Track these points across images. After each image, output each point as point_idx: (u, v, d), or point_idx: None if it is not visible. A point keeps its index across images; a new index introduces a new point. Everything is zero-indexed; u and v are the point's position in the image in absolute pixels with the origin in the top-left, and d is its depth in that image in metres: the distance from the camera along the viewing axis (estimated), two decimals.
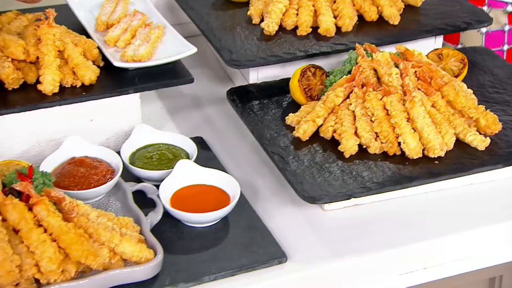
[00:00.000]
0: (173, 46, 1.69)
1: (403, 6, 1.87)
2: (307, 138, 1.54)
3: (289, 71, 1.76)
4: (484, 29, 2.06)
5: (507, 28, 2.05)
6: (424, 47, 1.83)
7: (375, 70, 1.60)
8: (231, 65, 1.70)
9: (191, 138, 1.62)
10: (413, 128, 1.49)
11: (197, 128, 1.73)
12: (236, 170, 1.59)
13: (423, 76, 1.58)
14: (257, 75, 1.78)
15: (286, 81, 1.70)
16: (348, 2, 1.82)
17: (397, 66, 1.62)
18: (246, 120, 1.62)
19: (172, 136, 1.58)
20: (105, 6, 1.80)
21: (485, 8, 2.03)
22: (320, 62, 1.76)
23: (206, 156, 1.59)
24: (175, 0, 1.98)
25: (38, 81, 1.53)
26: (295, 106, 1.65)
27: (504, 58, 2.09)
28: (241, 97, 1.69)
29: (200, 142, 1.63)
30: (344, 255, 1.39)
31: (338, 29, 1.81)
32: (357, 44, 1.66)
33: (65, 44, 1.56)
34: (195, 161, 1.50)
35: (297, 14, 1.82)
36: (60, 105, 1.52)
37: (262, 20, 1.84)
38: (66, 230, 1.21)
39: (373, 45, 1.67)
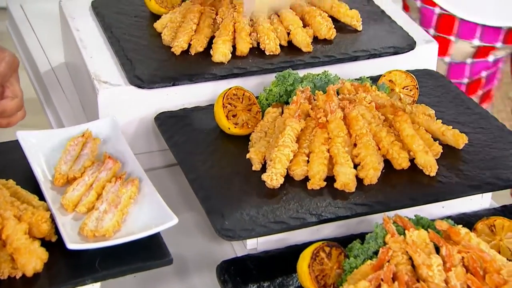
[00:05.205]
0: (149, 211, 1.32)
1: (441, 150, 1.49)
2: None
3: (298, 233, 1.39)
4: None
5: None
6: (467, 205, 1.46)
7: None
8: (222, 236, 1.33)
9: None
10: None
11: None
12: None
13: (473, 267, 1.20)
14: (257, 239, 1.40)
15: (295, 252, 1.33)
16: (373, 148, 1.44)
17: (437, 248, 1.24)
18: None
19: None
20: (69, 150, 1.44)
21: None
22: (337, 225, 1.40)
23: None
24: (159, 129, 1.62)
25: None
26: None
27: None
28: (235, 276, 1.32)
29: None
30: None
31: (359, 180, 1.44)
32: (385, 217, 1.29)
33: (4, 221, 1.20)
34: None
35: (308, 161, 1.45)
36: None
37: (264, 166, 1.47)
38: None
39: (406, 219, 1.29)
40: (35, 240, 1.22)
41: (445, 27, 2.13)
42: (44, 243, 1.24)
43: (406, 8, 2.27)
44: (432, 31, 2.13)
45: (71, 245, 1.22)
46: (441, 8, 2.10)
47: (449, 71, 2.20)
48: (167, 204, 1.36)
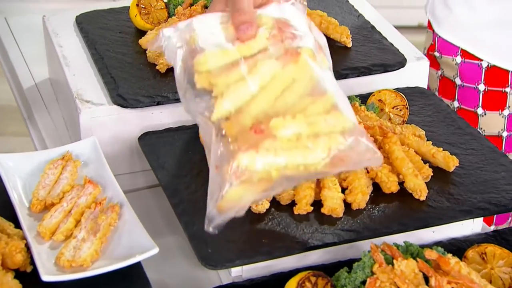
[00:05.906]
0: (129, 239, 1.28)
1: (431, 174, 1.45)
2: None
3: (284, 260, 1.34)
4: None
5: None
6: (458, 230, 1.42)
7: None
8: (205, 265, 1.29)
9: None
10: None
11: None
12: None
13: None
14: (242, 267, 1.36)
15: (281, 279, 1.28)
16: (361, 171, 1.40)
17: (426, 277, 1.20)
18: None
19: None
20: (47, 173, 1.39)
21: None
22: (324, 251, 1.36)
23: None
24: (142, 150, 1.58)
25: None
26: None
27: None
28: None
29: None
30: None
31: (347, 204, 1.40)
32: (372, 245, 1.25)
33: None
34: None
35: (295, 186, 1.41)
36: None
37: None
38: None
39: (394, 248, 1.25)
40: (9, 272, 1.17)
41: (496, 79, 1.93)
42: (18, 273, 1.20)
43: (433, 64, 2.04)
44: (482, 86, 1.93)
45: (46, 277, 1.17)
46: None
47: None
48: (149, 227, 1.32)
